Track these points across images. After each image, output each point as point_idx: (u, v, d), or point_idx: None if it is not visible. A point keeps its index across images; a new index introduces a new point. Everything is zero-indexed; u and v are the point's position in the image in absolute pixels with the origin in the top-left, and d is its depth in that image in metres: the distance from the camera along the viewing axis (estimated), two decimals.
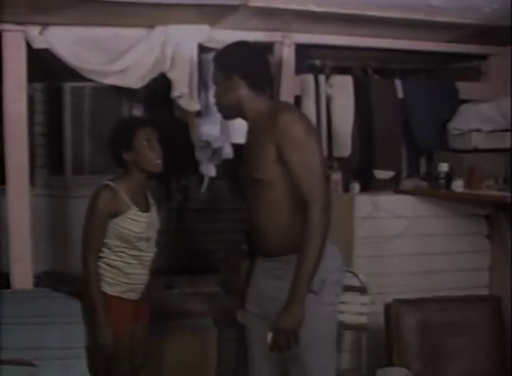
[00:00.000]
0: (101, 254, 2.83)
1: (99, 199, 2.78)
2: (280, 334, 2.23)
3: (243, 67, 2.38)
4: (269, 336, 2.26)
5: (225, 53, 2.46)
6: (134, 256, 2.86)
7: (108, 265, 2.83)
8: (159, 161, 2.87)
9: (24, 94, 3.12)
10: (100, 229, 2.78)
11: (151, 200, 3.01)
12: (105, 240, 2.81)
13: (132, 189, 2.86)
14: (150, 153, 2.85)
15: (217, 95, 2.48)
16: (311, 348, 2.35)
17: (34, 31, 3.08)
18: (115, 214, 2.79)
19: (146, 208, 2.92)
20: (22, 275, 3.14)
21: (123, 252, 2.84)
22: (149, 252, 2.92)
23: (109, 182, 2.83)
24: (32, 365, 2.53)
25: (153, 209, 3.00)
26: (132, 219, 2.83)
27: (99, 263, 2.81)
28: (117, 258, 2.84)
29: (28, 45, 3.10)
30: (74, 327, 2.70)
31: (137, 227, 2.84)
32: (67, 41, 3.12)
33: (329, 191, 2.34)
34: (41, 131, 4.89)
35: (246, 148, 2.50)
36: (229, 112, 2.50)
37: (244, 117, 2.48)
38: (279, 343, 2.24)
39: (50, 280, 3.90)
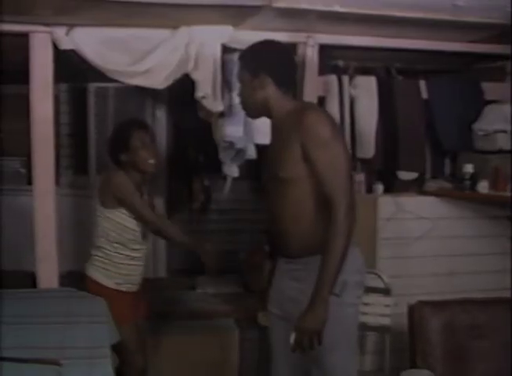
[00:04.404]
0: (98, 244, 2.98)
1: (120, 177, 2.94)
2: (303, 335, 2.22)
3: (270, 66, 2.38)
4: (292, 336, 2.26)
5: (253, 51, 2.45)
6: (128, 248, 2.98)
7: (101, 256, 2.97)
8: (152, 161, 3.01)
9: (51, 94, 3.14)
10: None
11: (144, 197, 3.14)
12: (105, 231, 2.95)
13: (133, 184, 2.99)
14: (145, 154, 2.99)
15: (243, 94, 2.48)
16: (333, 350, 2.34)
17: (60, 32, 3.10)
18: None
19: None
20: (47, 274, 3.17)
21: (119, 243, 2.96)
22: (144, 245, 3.06)
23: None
24: (58, 364, 2.55)
25: None
26: None
27: (95, 253, 2.98)
28: (111, 249, 2.96)
29: (54, 46, 3.13)
30: (99, 326, 2.71)
31: None
32: (93, 41, 3.14)
33: (354, 191, 2.34)
34: (65, 132, 4.95)
35: (271, 147, 2.49)
36: (255, 111, 2.49)
37: (269, 116, 2.47)
38: (301, 343, 2.23)
39: (75, 279, 3.92)
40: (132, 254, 2.99)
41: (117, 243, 2.95)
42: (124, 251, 2.96)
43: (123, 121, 3.21)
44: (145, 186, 3.12)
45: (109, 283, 2.95)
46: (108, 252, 2.95)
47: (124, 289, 2.98)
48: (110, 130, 4.72)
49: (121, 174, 2.95)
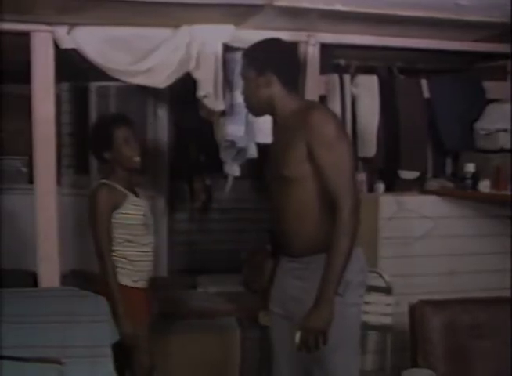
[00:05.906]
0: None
1: (98, 196, 2.90)
2: (308, 334, 2.21)
3: (277, 64, 2.37)
4: (297, 336, 2.25)
5: (259, 50, 2.43)
6: (139, 244, 2.97)
7: (117, 256, 2.92)
8: (137, 159, 2.98)
9: (52, 94, 3.15)
10: (107, 224, 2.89)
11: (138, 192, 3.12)
12: (114, 233, 2.92)
13: (121, 182, 2.97)
14: (128, 151, 2.96)
15: (246, 92, 2.47)
16: (336, 350, 2.33)
17: (61, 31, 3.10)
18: (116, 206, 2.91)
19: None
20: (49, 274, 3.17)
21: (129, 241, 2.94)
22: (150, 240, 3.04)
23: (102, 180, 2.97)
24: (60, 363, 2.55)
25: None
26: (133, 205, 2.96)
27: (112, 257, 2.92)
28: (123, 249, 2.93)
29: (55, 45, 3.13)
30: (101, 325, 2.71)
31: (139, 211, 2.98)
32: (94, 41, 3.14)
33: (358, 191, 2.34)
34: (67, 131, 4.95)
35: (275, 146, 2.48)
36: (258, 109, 2.49)
37: (274, 115, 2.47)
38: (307, 343, 2.23)
39: (76, 278, 3.93)
40: (143, 250, 2.99)
41: (127, 242, 2.94)
42: (135, 248, 2.96)
43: (103, 118, 3.18)
44: (134, 182, 3.10)
45: (127, 281, 2.93)
46: (122, 252, 2.93)
47: (139, 286, 2.98)
48: None
49: (102, 188, 2.92)
